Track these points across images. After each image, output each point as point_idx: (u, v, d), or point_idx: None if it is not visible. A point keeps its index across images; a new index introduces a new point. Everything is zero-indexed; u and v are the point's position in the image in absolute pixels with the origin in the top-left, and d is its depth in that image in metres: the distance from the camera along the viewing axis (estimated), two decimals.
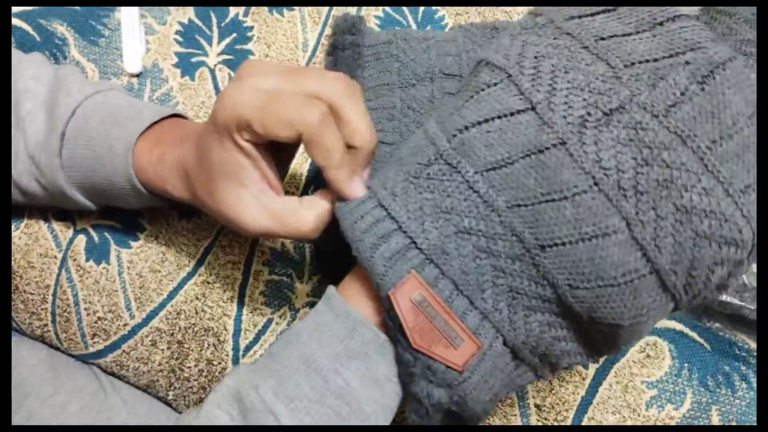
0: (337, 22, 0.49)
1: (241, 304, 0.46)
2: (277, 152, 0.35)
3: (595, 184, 0.28)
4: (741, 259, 0.28)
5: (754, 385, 0.40)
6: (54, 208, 0.49)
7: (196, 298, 0.47)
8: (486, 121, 0.31)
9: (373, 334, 0.33)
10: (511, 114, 0.30)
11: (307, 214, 0.34)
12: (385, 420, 0.33)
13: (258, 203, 0.34)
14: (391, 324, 0.32)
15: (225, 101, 0.32)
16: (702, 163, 0.27)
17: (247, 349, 0.46)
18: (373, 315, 0.33)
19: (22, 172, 0.42)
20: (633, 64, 0.29)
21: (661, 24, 0.30)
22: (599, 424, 0.41)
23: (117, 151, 0.39)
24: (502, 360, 0.31)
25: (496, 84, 0.31)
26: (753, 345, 0.40)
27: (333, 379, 0.32)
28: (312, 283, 0.46)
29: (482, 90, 0.32)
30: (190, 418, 0.34)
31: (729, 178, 0.27)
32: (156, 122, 0.41)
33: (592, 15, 0.32)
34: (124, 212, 0.49)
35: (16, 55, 0.46)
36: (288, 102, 0.31)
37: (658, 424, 0.40)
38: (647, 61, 0.29)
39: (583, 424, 0.41)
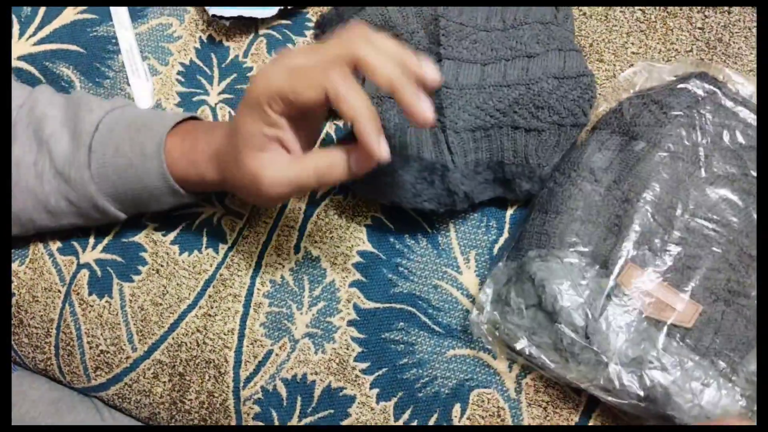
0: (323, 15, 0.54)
1: (241, 336, 0.47)
2: (304, 123, 0.38)
3: None
4: None
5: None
6: (57, 243, 0.50)
7: (197, 331, 0.48)
8: None
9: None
10: None
11: (308, 161, 0.37)
12: None
13: (276, 166, 0.37)
14: None
15: (258, 77, 0.36)
16: None
17: (248, 380, 0.47)
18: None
19: (49, 192, 0.44)
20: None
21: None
22: None
23: (148, 151, 0.42)
24: None
25: None
26: None
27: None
28: (311, 313, 0.47)
29: None
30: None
31: None
32: (179, 123, 0.44)
33: None
34: (127, 246, 0.50)
35: (26, 88, 0.48)
36: (313, 67, 0.34)
37: None
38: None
39: None
